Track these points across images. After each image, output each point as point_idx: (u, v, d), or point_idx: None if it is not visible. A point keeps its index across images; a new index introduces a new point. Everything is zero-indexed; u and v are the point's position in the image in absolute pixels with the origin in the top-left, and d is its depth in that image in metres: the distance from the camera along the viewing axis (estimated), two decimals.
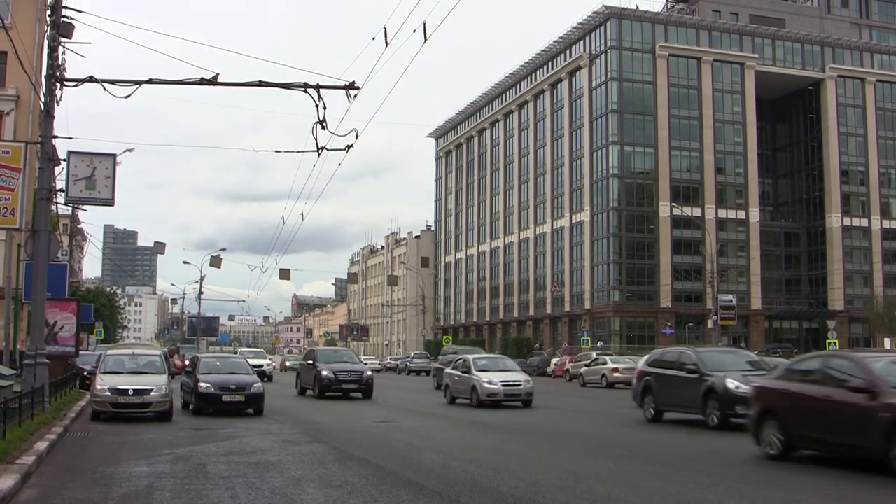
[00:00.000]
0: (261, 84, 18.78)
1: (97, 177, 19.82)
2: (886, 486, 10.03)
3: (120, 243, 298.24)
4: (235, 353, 45.64)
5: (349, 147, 20.11)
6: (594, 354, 48.61)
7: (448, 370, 27.86)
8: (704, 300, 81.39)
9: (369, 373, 29.42)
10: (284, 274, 72.54)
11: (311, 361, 30.36)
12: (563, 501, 8.82)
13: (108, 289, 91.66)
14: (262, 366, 41.44)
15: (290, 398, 29.37)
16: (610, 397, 31.41)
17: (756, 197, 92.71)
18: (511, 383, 24.62)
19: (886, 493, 9.81)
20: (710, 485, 10.01)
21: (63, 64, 18.76)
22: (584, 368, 44.39)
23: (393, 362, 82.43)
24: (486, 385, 24.40)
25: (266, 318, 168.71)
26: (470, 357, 27.10)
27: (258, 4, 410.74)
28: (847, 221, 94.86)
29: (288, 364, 64.90)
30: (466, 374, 25.58)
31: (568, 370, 49.32)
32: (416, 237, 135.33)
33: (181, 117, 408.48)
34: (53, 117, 18.89)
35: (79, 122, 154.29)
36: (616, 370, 40.23)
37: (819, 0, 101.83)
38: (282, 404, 25.49)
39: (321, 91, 18.46)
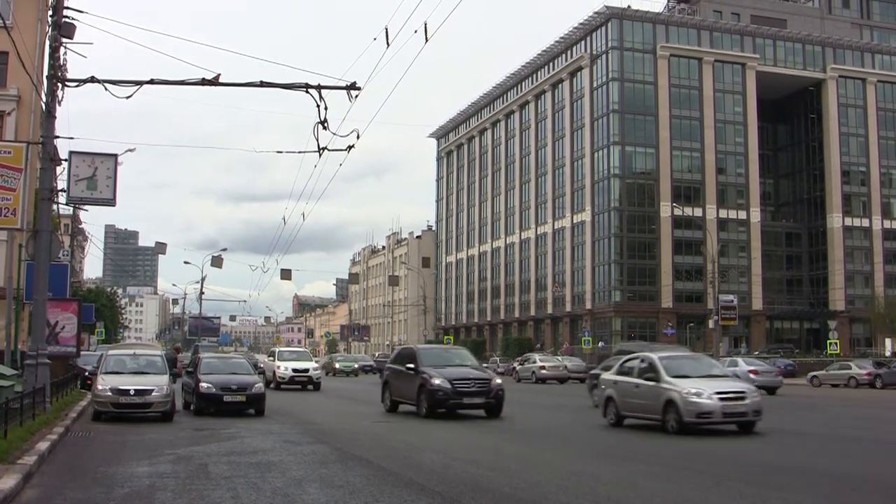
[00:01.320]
0: (262, 84, 18.79)
1: (98, 177, 19.85)
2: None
3: (121, 243, 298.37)
4: (229, 351, 43.55)
5: (350, 147, 20.13)
6: (534, 355, 57.04)
7: (608, 376, 19.82)
8: (705, 300, 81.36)
9: (498, 381, 21.21)
10: (285, 274, 72.54)
11: (410, 365, 21.40)
12: (565, 502, 8.81)
13: (109, 289, 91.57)
14: (307, 370, 35.26)
15: (375, 417, 21.18)
16: (539, 390, 38.64)
17: (757, 197, 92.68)
18: (730, 395, 16.56)
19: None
20: (710, 486, 9.99)
21: (64, 64, 18.78)
22: (518, 366, 52.48)
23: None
24: (693, 399, 16.31)
25: (267, 319, 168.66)
26: (654, 356, 18.49)
27: (259, 5, 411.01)
28: (848, 222, 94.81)
29: (338, 366, 57.09)
30: (652, 383, 17.47)
31: (515, 369, 54.57)
32: (418, 237, 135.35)
33: (183, 117, 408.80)
34: (55, 117, 18.91)
35: (80, 122, 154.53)
36: (543, 368, 48.58)
37: (820, 0, 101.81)
38: (283, 405, 25.22)
39: (322, 91, 18.47)
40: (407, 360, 21.88)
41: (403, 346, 24.20)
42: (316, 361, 41.57)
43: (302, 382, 34.76)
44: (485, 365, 47.69)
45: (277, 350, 39.32)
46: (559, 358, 55.63)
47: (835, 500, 9.49)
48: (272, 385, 33.94)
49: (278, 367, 35.44)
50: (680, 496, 9.29)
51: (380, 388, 24.60)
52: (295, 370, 35.03)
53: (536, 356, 54.32)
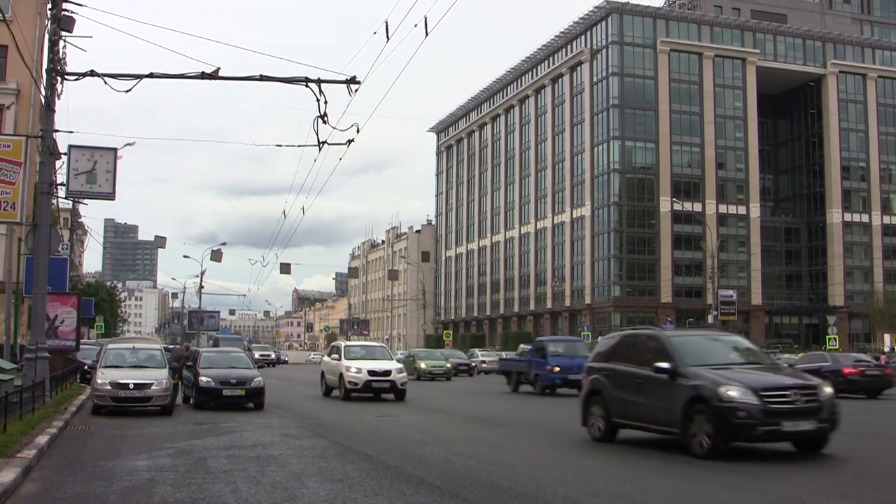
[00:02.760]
0: (262, 78, 18.76)
1: (98, 171, 19.83)
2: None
3: (120, 237, 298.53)
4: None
5: (350, 142, 20.11)
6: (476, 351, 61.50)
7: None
8: (705, 295, 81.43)
9: (828, 390, 12.31)
10: (285, 268, 72.54)
11: (662, 364, 12.54)
12: (564, 495, 8.82)
13: (108, 283, 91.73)
14: (388, 373, 24.86)
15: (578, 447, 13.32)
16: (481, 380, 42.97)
17: (757, 192, 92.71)
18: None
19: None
20: (709, 478, 10.00)
21: (64, 58, 18.75)
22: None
23: None
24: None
25: (266, 313, 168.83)
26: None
27: None
28: (847, 217, 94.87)
29: (423, 366, 42.11)
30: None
31: None
32: (417, 232, 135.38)
33: (183, 111, 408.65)
34: (54, 111, 18.88)
35: (80, 116, 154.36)
36: (483, 361, 53.09)
37: None
38: (288, 401, 25.34)
39: (322, 85, 18.42)
40: (648, 355, 13.12)
41: (631, 330, 14.73)
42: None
43: (381, 390, 24.90)
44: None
45: (343, 346, 27.60)
46: (496, 353, 57.13)
47: None
48: (338, 393, 25.56)
49: (348, 370, 24.83)
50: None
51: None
52: (372, 373, 24.68)
53: (477, 350, 62.17)
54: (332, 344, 31.00)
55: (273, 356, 71.46)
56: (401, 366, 26.31)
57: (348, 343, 30.63)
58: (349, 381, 24.71)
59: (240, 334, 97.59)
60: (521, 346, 54.51)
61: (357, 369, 24.79)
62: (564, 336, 68.03)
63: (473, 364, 51.70)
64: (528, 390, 30.55)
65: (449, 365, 43.80)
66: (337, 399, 25.33)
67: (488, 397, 28.26)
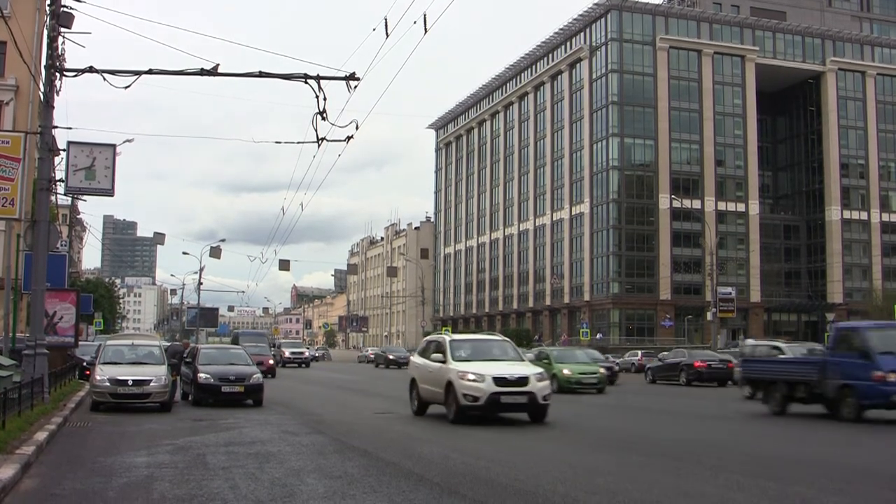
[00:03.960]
0: (261, 75, 18.76)
1: (97, 167, 19.82)
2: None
3: (119, 234, 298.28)
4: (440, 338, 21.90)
5: (349, 138, 20.12)
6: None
7: None
8: (704, 292, 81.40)
9: None
10: (284, 265, 72.46)
11: None
12: (563, 493, 8.82)
13: (107, 279, 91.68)
14: (525, 380, 16.37)
15: None
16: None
17: (756, 189, 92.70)
18: None
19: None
20: (708, 476, 9.99)
21: (63, 54, 18.73)
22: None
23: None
24: None
25: (265, 309, 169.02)
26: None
27: None
28: (846, 214, 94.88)
29: (566, 373, 29.58)
30: None
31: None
32: (416, 228, 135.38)
33: (182, 108, 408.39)
34: (53, 107, 18.87)
35: (79, 112, 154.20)
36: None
37: None
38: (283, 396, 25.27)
39: (321, 82, 18.45)
40: None
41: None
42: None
43: (513, 406, 16.62)
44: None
45: (448, 340, 18.15)
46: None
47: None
48: (442, 410, 17.25)
49: (463, 377, 16.40)
50: (678, 488, 9.26)
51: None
52: (501, 381, 16.25)
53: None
54: (429, 339, 20.36)
55: (307, 354, 61.47)
56: (540, 370, 17.24)
57: (455, 337, 19.11)
58: (466, 394, 16.11)
59: (262, 332, 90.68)
60: (748, 340, 44.25)
61: (477, 376, 16.17)
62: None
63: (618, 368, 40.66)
64: (803, 410, 19.42)
65: (603, 371, 31.25)
66: (441, 421, 16.86)
67: (740, 430, 17.13)
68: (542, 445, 13.52)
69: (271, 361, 39.25)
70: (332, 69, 18.70)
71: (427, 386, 17.92)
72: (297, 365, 55.06)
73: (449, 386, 16.61)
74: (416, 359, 19.33)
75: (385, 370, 55.51)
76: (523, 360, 17.97)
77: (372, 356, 71.67)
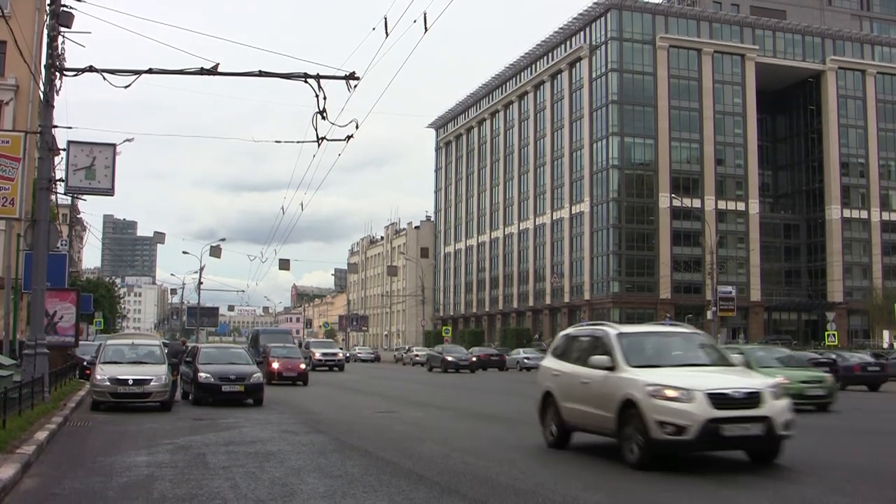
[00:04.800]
0: (261, 74, 18.76)
1: (97, 166, 19.83)
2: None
3: (119, 233, 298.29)
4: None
5: (349, 137, 20.13)
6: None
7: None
8: (704, 291, 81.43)
9: None
10: (284, 264, 72.52)
11: None
12: (564, 493, 8.82)
13: (107, 279, 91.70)
14: (756, 398, 10.12)
15: None
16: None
17: (756, 188, 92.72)
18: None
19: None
20: (723, 478, 9.95)
21: (63, 53, 18.73)
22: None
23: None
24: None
25: (265, 309, 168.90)
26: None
27: None
28: (847, 213, 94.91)
29: (785, 381, 15.90)
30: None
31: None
32: (416, 228, 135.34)
33: (182, 107, 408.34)
34: (53, 107, 18.87)
35: (78, 111, 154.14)
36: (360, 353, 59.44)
37: None
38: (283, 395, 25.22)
39: (321, 81, 18.45)
40: None
41: None
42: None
43: (740, 441, 10.37)
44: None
45: (614, 333, 11.63)
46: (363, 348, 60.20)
47: None
48: (629, 454, 10.47)
49: (658, 394, 10.15)
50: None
51: None
52: (722, 400, 10.02)
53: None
54: (571, 332, 13.46)
55: (341, 355, 53.03)
56: (774, 381, 11.14)
57: (625, 329, 12.04)
58: (663, 422, 10.04)
59: (286, 329, 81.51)
60: None
61: (681, 392, 10.12)
62: None
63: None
64: None
65: (831, 378, 22.40)
66: (603, 460, 11.26)
67: None
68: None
69: (303, 366, 32.74)
70: (331, 68, 18.71)
71: (577, 406, 11.83)
72: (327, 368, 47.87)
73: (627, 408, 10.51)
74: (552, 363, 13.11)
75: (442, 375, 46.28)
76: (734, 364, 11.51)
77: (420, 357, 62.51)
